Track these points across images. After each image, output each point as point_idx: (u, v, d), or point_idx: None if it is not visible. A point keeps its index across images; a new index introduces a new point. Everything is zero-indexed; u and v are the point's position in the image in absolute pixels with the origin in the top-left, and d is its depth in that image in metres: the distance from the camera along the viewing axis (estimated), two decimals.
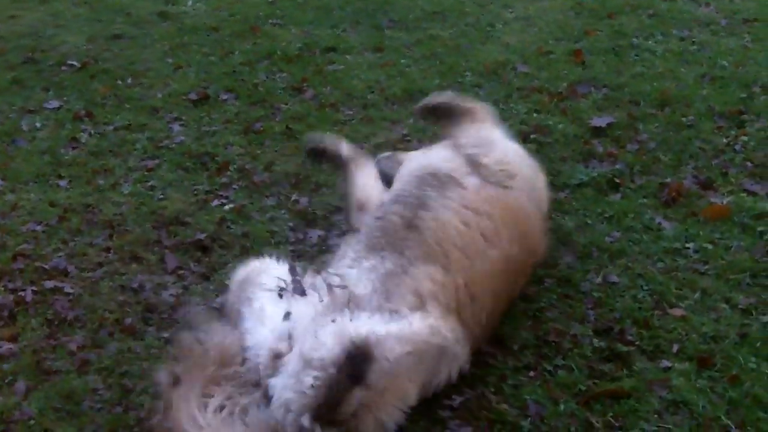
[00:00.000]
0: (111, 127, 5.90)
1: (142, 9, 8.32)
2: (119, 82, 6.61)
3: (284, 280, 3.64)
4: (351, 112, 5.94)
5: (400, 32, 7.29)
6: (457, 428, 3.46)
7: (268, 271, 3.75)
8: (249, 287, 3.69)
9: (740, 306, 3.96)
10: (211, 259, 4.48)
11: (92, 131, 5.86)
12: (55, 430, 3.52)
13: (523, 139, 5.12)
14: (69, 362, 3.84)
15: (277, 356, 3.34)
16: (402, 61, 6.70)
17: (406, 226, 3.71)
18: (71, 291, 4.29)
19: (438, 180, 3.92)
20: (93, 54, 7.15)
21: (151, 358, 3.84)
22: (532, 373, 3.70)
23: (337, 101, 6.09)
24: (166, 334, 3.97)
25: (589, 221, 4.60)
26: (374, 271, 3.58)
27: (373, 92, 6.20)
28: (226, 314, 3.80)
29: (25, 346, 3.95)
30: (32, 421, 3.55)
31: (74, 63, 6.96)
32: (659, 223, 4.52)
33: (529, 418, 3.47)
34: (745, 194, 4.71)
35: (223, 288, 4.12)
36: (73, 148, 5.65)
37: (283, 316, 3.47)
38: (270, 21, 7.81)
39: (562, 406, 3.50)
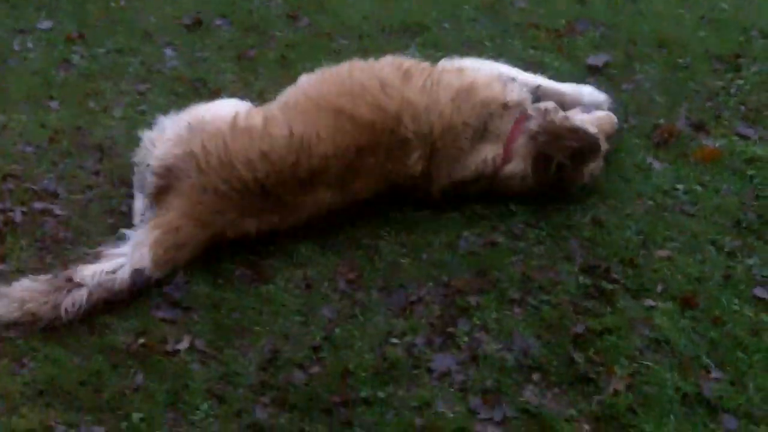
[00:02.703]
0: (103, 50, 5.83)
1: None
2: (112, 4, 6.49)
3: None
4: (346, 42, 5.87)
5: None
6: (439, 360, 3.50)
7: None
8: None
9: (726, 249, 3.99)
10: None
11: (84, 53, 5.79)
12: (42, 349, 3.56)
13: None
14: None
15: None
16: None
17: None
18: (60, 213, 4.28)
19: None
20: None
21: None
22: (517, 309, 3.73)
23: (331, 30, 6.02)
24: None
25: None
26: None
27: (368, 22, 6.12)
28: None
29: (14, 267, 3.96)
30: (20, 340, 3.60)
31: None
32: (650, 164, 4.53)
33: (513, 353, 3.52)
34: (737, 138, 4.72)
35: None
36: (65, 70, 5.59)
37: None
38: None
39: (545, 342, 3.55)
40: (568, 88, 4.69)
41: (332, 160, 3.96)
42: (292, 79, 5.26)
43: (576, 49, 5.62)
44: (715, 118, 4.89)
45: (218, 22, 6.17)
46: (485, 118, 4.14)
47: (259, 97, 5.17)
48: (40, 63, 5.64)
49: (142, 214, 4.11)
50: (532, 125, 4.17)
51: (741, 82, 5.21)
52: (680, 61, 5.46)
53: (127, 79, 5.46)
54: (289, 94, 4.29)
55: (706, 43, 5.63)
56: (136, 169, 4.27)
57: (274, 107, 4.18)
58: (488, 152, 4.16)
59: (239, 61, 5.64)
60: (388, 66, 4.26)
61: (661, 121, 4.85)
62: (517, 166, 4.17)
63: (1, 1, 6.50)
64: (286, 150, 3.90)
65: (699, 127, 4.81)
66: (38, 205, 4.33)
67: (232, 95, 5.17)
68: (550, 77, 4.88)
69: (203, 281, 3.88)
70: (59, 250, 4.07)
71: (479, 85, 4.20)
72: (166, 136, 4.10)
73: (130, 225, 4.15)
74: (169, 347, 3.59)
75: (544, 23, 5.99)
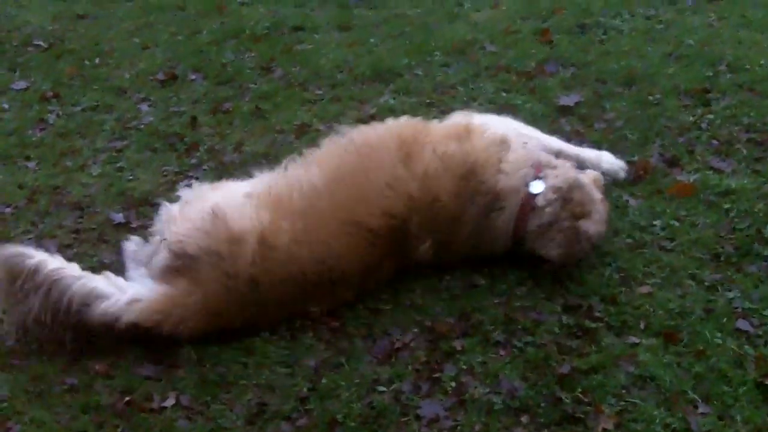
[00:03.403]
0: (78, 108, 5.86)
1: None
2: (86, 62, 6.55)
3: None
4: (320, 92, 5.93)
5: (367, 11, 7.27)
6: (427, 406, 3.50)
7: None
8: None
9: (706, 282, 4.02)
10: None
11: (60, 112, 5.81)
12: (28, 411, 3.53)
13: None
14: (39, 347, 3.83)
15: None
16: (370, 39, 6.68)
17: None
18: None
19: None
20: (58, 34, 7.08)
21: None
22: (502, 352, 3.74)
23: (305, 80, 6.08)
24: None
25: None
26: None
27: (341, 71, 6.19)
28: None
29: None
30: (4, 404, 3.57)
31: (40, 43, 6.89)
32: (626, 201, 4.57)
33: (500, 395, 3.52)
34: (710, 172, 4.77)
35: None
36: (41, 129, 5.61)
37: None
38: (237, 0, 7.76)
39: (531, 383, 3.56)
40: (588, 154, 4.72)
41: (354, 273, 3.99)
42: (268, 130, 5.34)
43: (547, 90, 5.70)
44: (687, 153, 4.96)
45: (192, 76, 6.22)
46: (489, 209, 4.15)
47: (236, 149, 5.21)
48: (16, 123, 5.67)
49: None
50: (547, 216, 4.10)
51: (711, 116, 5.28)
52: (650, 97, 5.53)
53: (103, 137, 5.48)
54: (305, 191, 4.05)
55: (674, 79, 5.72)
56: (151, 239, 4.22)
57: (294, 213, 3.97)
58: (497, 235, 4.19)
59: (214, 114, 5.67)
60: (388, 143, 4.19)
61: (635, 157, 4.91)
62: (530, 245, 4.18)
63: None
64: (313, 272, 3.90)
65: (672, 162, 4.87)
66: None
67: (208, 150, 5.22)
68: (523, 119, 4.94)
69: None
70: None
71: (479, 168, 4.13)
72: (188, 215, 4.05)
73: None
74: (154, 404, 3.56)
75: (514, 66, 6.07)
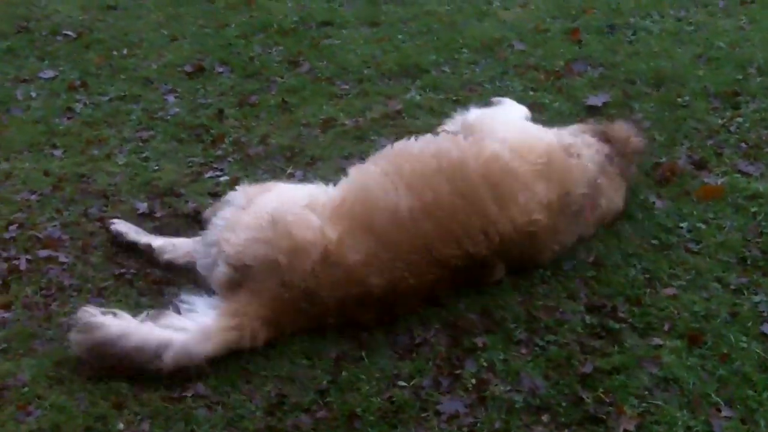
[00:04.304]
0: (106, 98, 5.88)
1: None
2: (114, 52, 6.56)
3: None
4: (346, 87, 5.92)
5: (396, 7, 7.25)
6: (447, 403, 3.48)
7: None
8: None
9: (731, 286, 3.99)
10: (204, 231, 4.47)
11: (87, 101, 5.83)
12: (48, 396, 3.54)
13: None
14: (62, 331, 3.84)
15: None
16: (398, 36, 6.67)
17: None
18: (65, 260, 4.29)
19: None
20: (87, 24, 7.10)
21: None
22: (524, 350, 3.72)
23: (332, 75, 6.07)
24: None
25: None
26: None
27: (368, 67, 6.17)
28: None
29: (19, 314, 3.95)
30: (26, 388, 3.57)
31: (69, 33, 6.91)
32: (653, 202, 4.54)
33: (521, 394, 3.50)
34: (738, 175, 4.73)
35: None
36: (68, 118, 5.63)
37: None
38: None
39: (553, 382, 3.53)
40: None
41: (417, 296, 3.92)
42: (294, 123, 5.33)
43: (575, 90, 5.66)
44: (715, 156, 4.92)
45: (220, 69, 6.22)
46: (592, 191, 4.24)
47: (262, 142, 5.21)
48: (43, 111, 5.69)
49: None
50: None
51: (740, 119, 5.24)
52: (679, 99, 5.49)
53: (130, 126, 5.50)
54: (388, 216, 3.89)
55: (703, 81, 5.67)
56: (203, 241, 4.13)
57: (367, 234, 3.84)
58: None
59: (241, 107, 5.67)
60: (482, 181, 4.00)
61: (662, 159, 4.87)
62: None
63: (4, 51, 6.57)
64: (376, 294, 3.80)
65: (700, 164, 4.83)
66: (43, 252, 4.34)
67: (234, 142, 5.22)
68: (551, 117, 4.91)
69: None
70: (64, 298, 4.06)
71: (569, 185, 4.16)
72: (245, 222, 3.95)
73: (135, 273, 4.17)
74: (175, 393, 3.56)
75: (542, 65, 6.05)
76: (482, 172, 4.00)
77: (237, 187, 4.33)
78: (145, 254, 4.30)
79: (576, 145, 4.34)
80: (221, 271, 3.88)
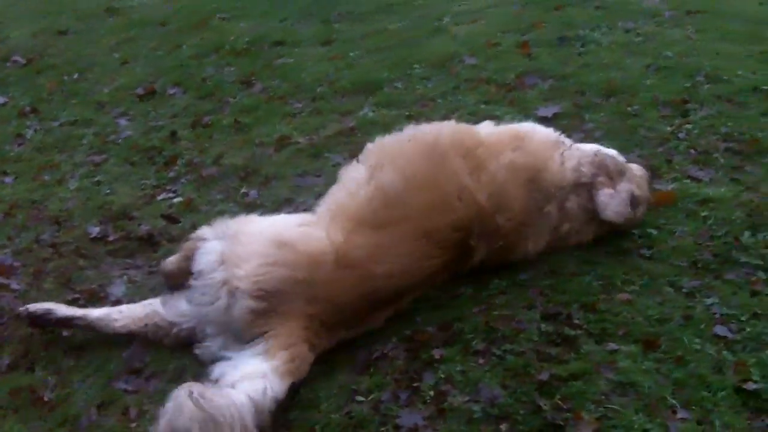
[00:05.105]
0: (57, 123, 5.84)
1: (88, 4, 8.25)
2: (65, 77, 6.53)
3: None
4: (300, 105, 5.92)
5: (349, 25, 7.29)
6: (406, 416, 3.47)
7: None
8: None
9: (684, 289, 4.02)
10: (158, 253, 4.45)
11: (38, 127, 5.80)
12: (2, 426, 3.48)
13: None
14: (16, 358, 3.79)
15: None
16: (351, 53, 6.69)
17: None
18: (17, 287, 4.24)
19: None
20: (38, 50, 7.07)
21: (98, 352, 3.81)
22: (481, 360, 3.72)
23: (286, 94, 6.07)
24: None
25: None
26: None
27: (322, 85, 6.19)
28: None
29: None
30: None
31: (19, 59, 6.87)
32: None
33: (480, 404, 3.50)
34: (689, 180, 4.78)
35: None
36: (19, 145, 5.59)
37: None
38: (218, 15, 7.78)
39: (511, 391, 3.54)
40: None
41: (418, 285, 3.96)
42: (248, 143, 5.32)
43: (526, 102, 5.71)
44: (666, 163, 4.97)
45: (172, 90, 6.20)
46: (558, 201, 4.25)
47: (215, 162, 5.19)
48: None
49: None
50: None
51: (690, 126, 5.30)
52: (629, 108, 5.55)
53: (82, 151, 5.46)
54: (386, 197, 3.95)
55: (653, 90, 5.74)
56: (195, 281, 3.85)
57: (370, 226, 3.87)
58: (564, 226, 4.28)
59: (194, 128, 5.66)
60: (454, 151, 4.12)
61: None
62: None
63: None
64: (384, 288, 3.81)
65: (651, 171, 4.87)
66: None
67: (187, 163, 5.20)
68: None
69: (161, 347, 3.83)
70: (17, 325, 4.00)
71: (543, 169, 4.23)
72: (249, 252, 3.78)
73: (89, 298, 4.12)
74: (131, 415, 3.52)
75: (494, 78, 6.09)
76: (451, 141, 4.13)
77: (206, 232, 4.02)
78: (82, 328, 3.95)
79: (571, 151, 4.38)
80: (244, 306, 3.69)
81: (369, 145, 4.31)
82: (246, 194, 4.88)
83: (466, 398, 3.53)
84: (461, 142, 4.16)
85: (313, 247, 3.76)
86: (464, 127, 4.35)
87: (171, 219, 4.69)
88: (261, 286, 3.68)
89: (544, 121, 5.40)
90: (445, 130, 4.24)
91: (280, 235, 3.81)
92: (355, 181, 4.09)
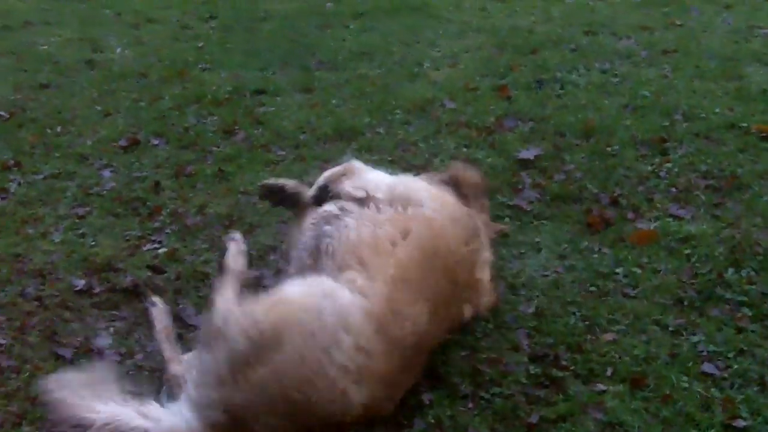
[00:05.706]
0: (40, 176, 5.83)
1: (68, 57, 8.29)
2: (48, 130, 6.53)
3: None
4: (283, 153, 5.95)
5: (328, 72, 7.36)
6: None
7: None
8: None
9: (670, 327, 4.05)
10: (144, 304, 4.43)
11: (21, 180, 5.78)
12: None
13: None
14: (1, 414, 3.76)
15: None
16: (332, 100, 6.75)
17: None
18: (2, 342, 4.20)
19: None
20: (20, 104, 7.07)
21: None
22: (470, 404, 3.72)
23: (268, 142, 6.10)
24: None
25: (523, 250, 4.67)
26: None
27: (304, 132, 6.23)
28: None
29: None
30: None
31: (1, 113, 6.87)
32: (589, 250, 4.60)
33: None
34: (670, 219, 4.83)
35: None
36: (2, 198, 5.57)
37: None
38: (199, 65, 7.83)
39: None
40: None
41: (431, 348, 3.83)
42: (231, 191, 5.34)
43: (507, 144, 5.77)
44: (647, 201, 5.02)
45: (155, 141, 6.22)
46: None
47: (199, 212, 5.20)
48: None
49: None
50: None
51: (669, 164, 5.37)
52: (608, 148, 5.62)
53: (65, 204, 5.45)
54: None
55: (631, 130, 5.81)
56: None
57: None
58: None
59: (177, 178, 5.67)
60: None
61: (595, 207, 4.96)
62: None
63: None
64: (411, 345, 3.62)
65: (633, 211, 4.92)
66: None
67: (171, 213, 5.20)
68: (484, 172, 4.97)
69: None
70: (2, 380, 3.97)
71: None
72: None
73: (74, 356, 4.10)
74: None
75: (474, 122, 6.15)
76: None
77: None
78: None
79: None
80: None
81: None
82: None
83: None
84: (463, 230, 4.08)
85: (353, 320, 3.52)
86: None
87: (156, 269, 4.69)
88: None
89: (526, 163, 5.47)
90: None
91: (289, 319, 3.53)
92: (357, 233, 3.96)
